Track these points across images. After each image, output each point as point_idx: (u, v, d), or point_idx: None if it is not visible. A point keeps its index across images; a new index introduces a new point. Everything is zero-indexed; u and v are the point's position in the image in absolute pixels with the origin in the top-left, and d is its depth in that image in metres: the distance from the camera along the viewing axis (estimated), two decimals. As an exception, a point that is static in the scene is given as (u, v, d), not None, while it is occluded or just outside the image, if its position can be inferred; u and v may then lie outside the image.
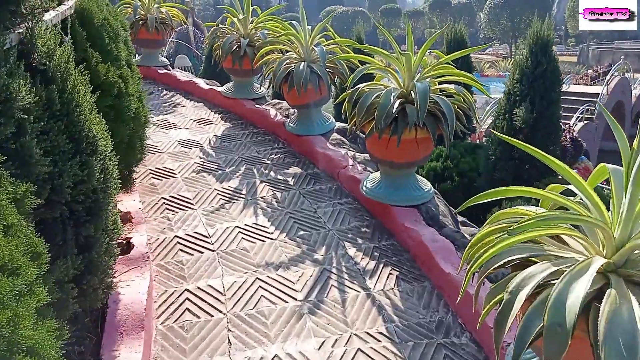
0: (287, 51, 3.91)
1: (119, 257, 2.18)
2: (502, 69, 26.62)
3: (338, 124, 4.13)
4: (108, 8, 2.39)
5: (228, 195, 3.21)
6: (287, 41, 3.85)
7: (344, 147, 3.76)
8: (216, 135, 4.22)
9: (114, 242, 1.85)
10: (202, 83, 5.38)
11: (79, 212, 1.54)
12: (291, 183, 3.42)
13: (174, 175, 3.44)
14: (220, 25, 4.69)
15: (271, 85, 3.72)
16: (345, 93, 2.82)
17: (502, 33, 35.45)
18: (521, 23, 32.73)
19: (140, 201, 3.04)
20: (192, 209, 3.03)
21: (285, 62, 3.67)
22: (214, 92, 5.12)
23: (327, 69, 3.67)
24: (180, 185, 3.31)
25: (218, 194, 3.23)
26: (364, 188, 2.95)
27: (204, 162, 3.68)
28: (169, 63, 6.09)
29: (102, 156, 1.71)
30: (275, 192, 3.29)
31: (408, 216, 2.74)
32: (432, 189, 2.92)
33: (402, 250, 2.71)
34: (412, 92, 2.58)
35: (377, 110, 2.50)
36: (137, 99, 2.64)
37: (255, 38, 4.58)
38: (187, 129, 4.36)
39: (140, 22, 5.59)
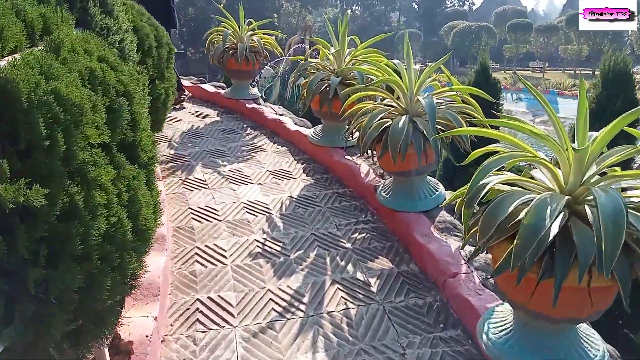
0: (384, 99, 2.95)
1: None
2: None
3: (449, 195, 3.04)
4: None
5: (283, 305, 2.31)
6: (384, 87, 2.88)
7: (455, 235, 2.67)
8: (291, 197, 3.38)
9: None
10: (289, 123, 4.62)
11: None
12: (374, 289, 2.43)
13: (223, 260, 2.65)
14: (310, 60, 3.87)
15: (361, 146, 2.77)
16: (459, 191, 1.75)
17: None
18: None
19: (169, 306, 2.28)
20: (229, 325, 2.18)
21: (379, 117, 2.70)
22: (300, 135, 4.32)
23: (438, 126, 2.63)
24: (227, 278, 2.50)
25: (271, 299, 2.35)
26: (488, 334, 1.84)
27: (266, 239, 2.85)
28: (259, 96, 5.46)
29: None
30: (349, 304, 2.32)
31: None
32: None
33: None
34: (586, 205, 1.44)
35: (523, 236, 1.41)
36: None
37: (350, 76, 3.68)
38: (260, 184, 3.59)
39: (230, 52, 5.03)
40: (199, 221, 3.05)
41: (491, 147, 1.81)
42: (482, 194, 1.57)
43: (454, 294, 2.24)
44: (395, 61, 2.87)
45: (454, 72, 33.81)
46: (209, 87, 5.81)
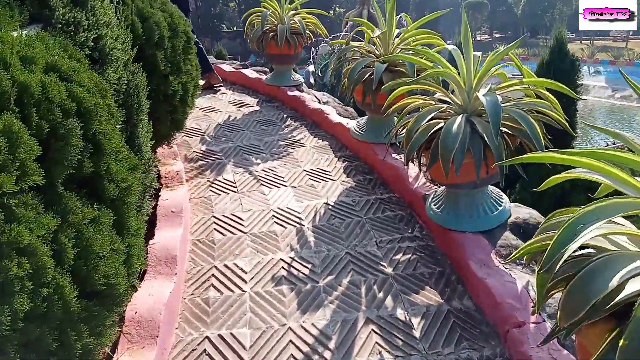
0: (434, 92, 2.42)
1: None
2: None
3: (516, 210, 2.49)
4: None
5: (305, 350, 1.92)
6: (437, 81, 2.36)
7: (523, 265, 2.14)
8: (327, 204, 2.97)
9: None
10: (332, 113, 4.16)
11: None
12: (417, 333, 1.98)
13: (242, 285, 2.30)
14: (352, 44, 3.37)
15: (405, 153, 2.29)
16: (534, 241, 1.25)
17: None
18: None
19: (174, 344, 1.96)
20: (239, 376, 1.83)
21: (428, 118, 2.19)
22: (342, 128, 3.87)
23: (503, 128, 2.09)
24: (243, 310, 2.14)
25: (291, 341, 1.97)
26: None
27: (293, 259, 2.46)
28: (302, 81, 5.03)
29: None
30: (385, 354, 1.89)
31: None
32: None
33: None
34: None
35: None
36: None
37: (398, 62, 3.16)
38: (294, 187, 3.20)
39: (269, 34, 4.62)
40: (222, 233, 2.72)
41: (579, 175, 1.29)
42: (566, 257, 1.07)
43: (520, 352, 1.75)
44: (450, 46, 2.33)
45: (524, 44, 31.46)
46: (250, 72, 5.46)
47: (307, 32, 4.67)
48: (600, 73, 26.24)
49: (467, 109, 2.24)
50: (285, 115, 4.49)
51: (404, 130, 2.35)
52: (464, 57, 2.21)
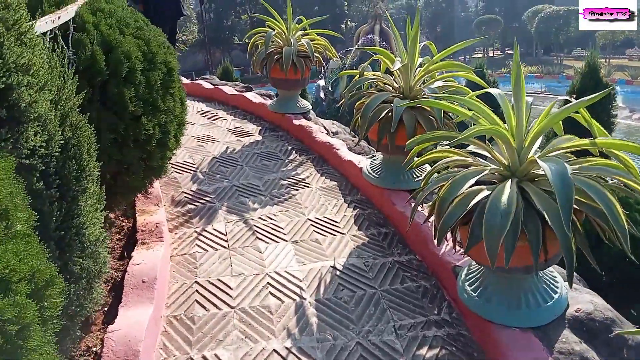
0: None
1: None
2: None
3: (574, 298, 1.96)
4: None
5: None
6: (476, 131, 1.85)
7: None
8: (334, 267, 2.47)
9: None
10: (342, 148, 3.68)
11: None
12: None
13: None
14: (366, 75, 2.89)
15: (437, 230, 1.78)
16: None
17: None
18: None
19: None
20: None
21: (468, 185, 1.68)
22: (353, 167, 3.38)
23: (577, 204, 1.57)
24: None
25: None
26: None
27: (289, 352, 1.95)
28: (310, 109, 4.56)
29: None
30: None
31: None
32: None
33: None
34: None
35: None
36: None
37: (420, 96, 2.68)
38: (296, 242, 2.70)
39: (275, 57, 4.16)
40: (205, 307, 2.22)
41: None
42: None
43: None
44: (495, 91, 1.83)
45: (537, 61, 30.89)
46: (254, 96, 5.00)
47: (316, 55, 4.21)
48: (617, 93, 25.61)
49: (516, 171, 1.74)
50: (289, 148, 4.01)
51: (427, 181, 1.85)
52: (513, 108, 1.71)
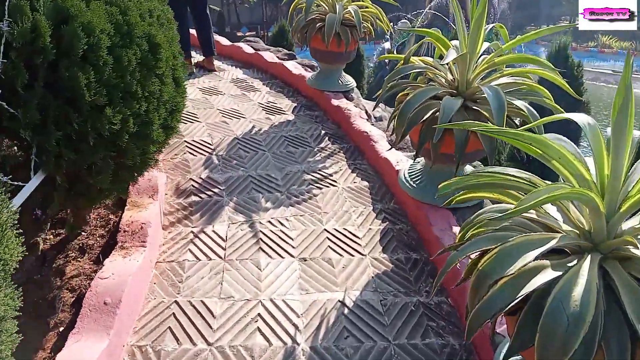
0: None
1: None
2: None
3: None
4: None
5: None
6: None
7: None
8: (343, 303, 2.00)
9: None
10: (381, 141, 3.13)
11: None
12: None
13: None
14: (413, 60, 2.29)
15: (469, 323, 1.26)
16: None
17: None
18: None
19: None
20: None
21: (521, 261, 1.13)
22: (390, 167, 2.84)
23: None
24: None
25: None
26: None
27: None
28: (354, 86, 3.99)
29: None
30: None
31: None
32: None
33: None
34: None
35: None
36: None
37: (477, 96, 2.08)
38: (304, 260, 2.25)
39: (317, 25, 3.60)
40: (178, 339, 1.84)
41: None
42: None
43: None
44: (581, 119, 1.21)
45: (631, 36, 27.55)
46: (294, 66, 4.47)
47: (365, 25, 3.61)
48: None
49: (600, 243, 1.16)
50: (322, 133, 3.50)
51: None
52: (609, 148, 1.12)
